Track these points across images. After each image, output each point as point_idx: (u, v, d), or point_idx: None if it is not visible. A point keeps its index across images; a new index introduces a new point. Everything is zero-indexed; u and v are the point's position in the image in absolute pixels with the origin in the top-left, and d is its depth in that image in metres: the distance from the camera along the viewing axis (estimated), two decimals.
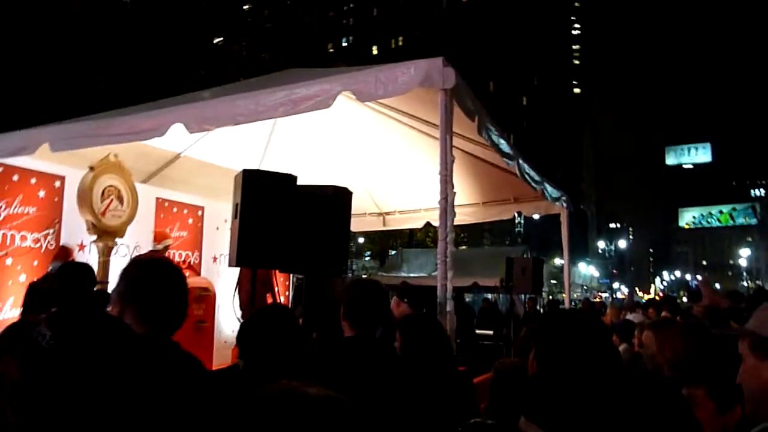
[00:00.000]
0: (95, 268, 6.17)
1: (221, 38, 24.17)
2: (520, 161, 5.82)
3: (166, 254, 7.63)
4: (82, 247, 7.10)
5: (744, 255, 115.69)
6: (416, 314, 3.72)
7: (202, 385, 1.81)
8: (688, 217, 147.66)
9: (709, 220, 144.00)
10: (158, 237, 7.61)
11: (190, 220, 8.59)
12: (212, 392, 1.80)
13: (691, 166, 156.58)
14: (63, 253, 6.72)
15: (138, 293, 1.93)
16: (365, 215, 9.44)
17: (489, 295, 18.22)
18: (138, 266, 2.04)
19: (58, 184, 6.93)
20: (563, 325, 2.02)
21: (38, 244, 6.69)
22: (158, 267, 2.04)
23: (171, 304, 1.94)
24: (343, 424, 0.84)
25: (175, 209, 8.37)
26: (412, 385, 2.51)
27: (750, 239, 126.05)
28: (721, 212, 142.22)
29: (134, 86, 17.20)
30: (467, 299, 18.68)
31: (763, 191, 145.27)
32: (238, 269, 6.54)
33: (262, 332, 2.28)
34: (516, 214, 9.36)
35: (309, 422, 0.82)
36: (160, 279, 1.97)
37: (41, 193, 6.75)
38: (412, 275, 16.60)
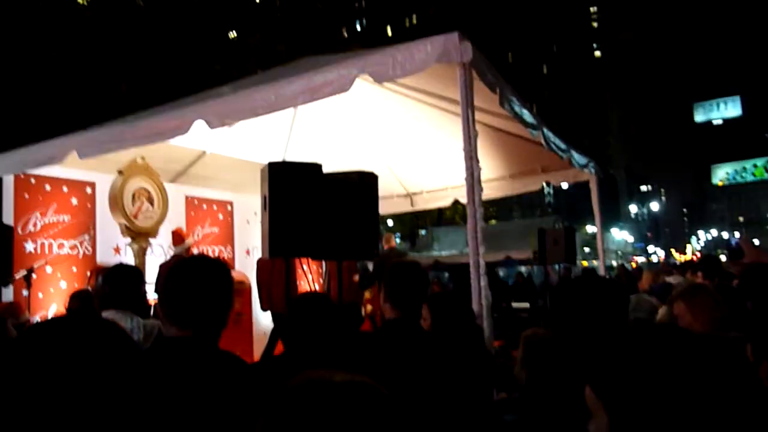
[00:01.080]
0: None
1: (235, 33, 24.21)
2: (545, 130, 5.73)
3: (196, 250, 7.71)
4: (117, 250, 7.24)
5: None
6: (444, 292, 3.74)
7: (228, 386, 1.74)
8: (721, 174, 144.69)
9: (744, 174, 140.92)
10: (176, 239, 7.50)
11: (221, 216, 8.69)
12: (240, 391, 1.75)
13: (721, 122, 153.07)
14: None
15: (162, 297, 1.88)
16: (393, 197, 9.43)
17: (522, 268, 18.11)
18: (165, 271, 1.97)
19: (89, 190, 7.06)
20: (576, 294, 2.00)
21: (75, 251, 6.84)
22: (180, 268, 1.93)
23: (193, 303, 1.83)
24: (369, 407, 0.85)
25: (204, 206, 8.47)
26: (447, 363, 2.51)
27: None
28: (755, 166, 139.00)
29: (155, 86, 17.35)
30: (501, 274, 18.62)
31: None
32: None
33: (302, 320, 2.30)
34: (545, 185, 9.25)
35: (335, 408, 0.83)
36: (181, 280, 1.88)
37: (74, 201, 6.89)
38: (443, 253, 16.59)
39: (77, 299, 4.86)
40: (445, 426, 2.28)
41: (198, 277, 1.88)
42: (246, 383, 1.79)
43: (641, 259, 66.24)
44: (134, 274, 3.25)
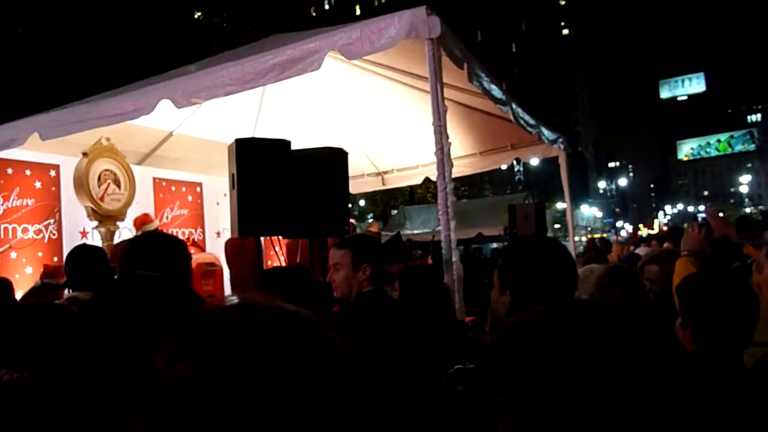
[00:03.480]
0: None
1: (201, 13, 23.73)
2: (514, 106, 5.76)
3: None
4: (84, 234, 7.11)
5: (744, 181, 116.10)
6: (415, 266, 3.79)
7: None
8: (686, 149, 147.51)
9: (708, 150, 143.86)
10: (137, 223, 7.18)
11: (190, 198, 8.58)
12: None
13: (685, 98, 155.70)
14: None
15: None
16: (363, 176, 9.40)
17: (494, 245, 18.26)
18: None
19: (53, 173, 6.90)
20: (524, 250, 2.03)
21: (40, 235, 6.70)
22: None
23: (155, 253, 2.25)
24: (286, 332, 0.73)
25: (173, 188, 8.35)
26: (414, 333, 2.56)
27: (749, 165, 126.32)
28: (719, 141, 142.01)
29: (120, 67, 16.96)
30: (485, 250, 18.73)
31: (759, 116, 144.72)
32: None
33: (284, 288, 2.32)
34: (514, 162, 9.31)
35: (248, 330, 0.72)
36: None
37: (37, 184, 6.73)
38: (415, 232, 16.62)
39: None
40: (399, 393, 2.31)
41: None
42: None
43: (609, 234, 67.20)
44: (97, 255, 3.20)
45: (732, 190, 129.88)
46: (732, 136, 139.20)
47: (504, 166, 9.77)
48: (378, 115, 7.59)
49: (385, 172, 9.49)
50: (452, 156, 3.91)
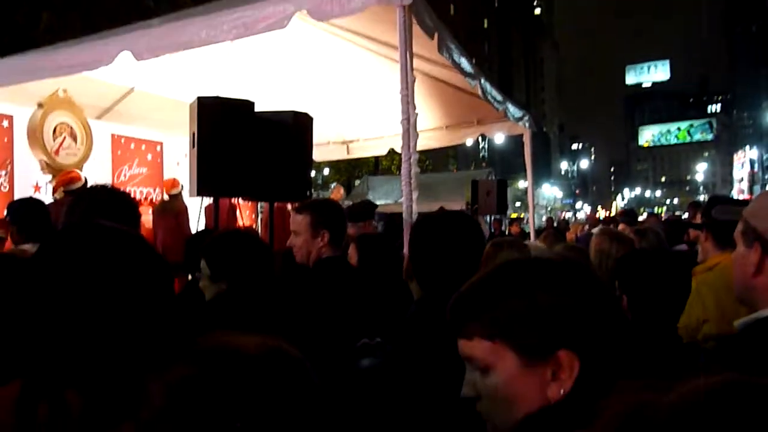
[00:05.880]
0: None
1: None
2: (482, 80, 5.75)
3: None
4: (37, 188, 6.90)
5: (701, 170, 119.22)
6: (371, 234, 3.83)
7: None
8: (647, 135, 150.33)
9: (668, 137, 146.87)
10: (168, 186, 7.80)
11: (149, 156, 8.39)
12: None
13: (650, 85, 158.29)
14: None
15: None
16: (329, 144, 9.32)
17: None
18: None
19: (6, 123, 6.66)
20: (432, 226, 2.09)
21: None
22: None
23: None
24: (280, 378, 0.79)
25: (132, 145, 8.14)
26: (371, 297, 2.60)
27: (706, 154, 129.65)
28: (679, 129, 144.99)
29: (80, 19, 16.36)
30: None
31: (719, 107, 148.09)
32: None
33: (238, 254, 2.30)
34: (479, 138, 9.33)
35: (245, 379, 0.76)
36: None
37: None
38: (378, 202, 16.61)
39: None
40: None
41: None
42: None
43: (569, 215, 68.54)
44: (42, 208, 3.16)
45: (688, 177, 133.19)
46: (692, 125, 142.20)
47: (469, 142, 9.80)
48: (346, 83, 7.49)
49: (351, 141, 9.41)
50: (418, 129, 3.89)
